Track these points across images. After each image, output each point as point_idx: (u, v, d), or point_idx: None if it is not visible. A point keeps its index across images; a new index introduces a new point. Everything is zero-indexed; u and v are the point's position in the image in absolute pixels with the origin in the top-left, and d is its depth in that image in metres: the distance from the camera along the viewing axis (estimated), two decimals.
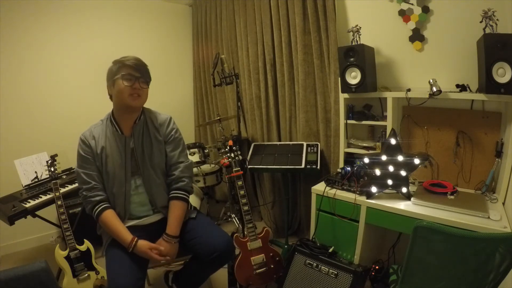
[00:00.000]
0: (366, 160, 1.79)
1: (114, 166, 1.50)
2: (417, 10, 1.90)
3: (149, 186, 1.55)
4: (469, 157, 1.80)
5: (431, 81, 1.74)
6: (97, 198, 1.48)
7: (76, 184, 2.29)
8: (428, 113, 1.91)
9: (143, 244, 1.44)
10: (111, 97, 1.52)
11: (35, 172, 2.28)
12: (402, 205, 1.62)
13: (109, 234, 1.49)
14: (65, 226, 1.84)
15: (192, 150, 2.86)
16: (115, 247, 1.45)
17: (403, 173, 1.69)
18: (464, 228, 1.30)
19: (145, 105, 1.62)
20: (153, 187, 1.55)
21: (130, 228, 1.49)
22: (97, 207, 1.47)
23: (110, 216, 1.47)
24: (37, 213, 2.08)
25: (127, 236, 1.43)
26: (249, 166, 2.35)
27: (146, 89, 1.51)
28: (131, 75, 1.43)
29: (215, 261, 1.52)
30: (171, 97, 3.67)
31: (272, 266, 1.88)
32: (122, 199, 1.51)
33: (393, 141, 1.71)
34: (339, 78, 2.03)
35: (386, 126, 1.96)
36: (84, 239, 1.90)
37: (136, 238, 1.44)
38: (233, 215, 2.91)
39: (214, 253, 1.48)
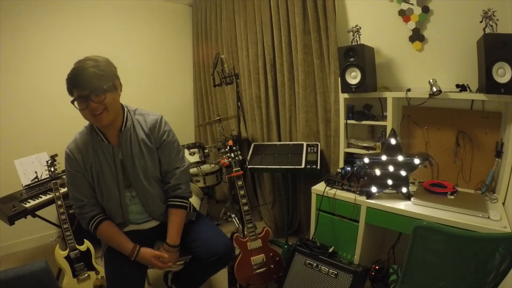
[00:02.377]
0: (366, 160, 1.79)
1: (106, 181, 1.42)
2: (417, 10, 1.90)
3: (143, 198, 1.49)
4: (469, 157, 1.80)
5: (431, 81, 1.74)
6: (91, 213, 1.43)
7: None
8: (428, 113, 1.91)
9: (146, 252, 1.41)
10: None
11: (35, 172, 2.27)
12: (402, 205, 1.62)
13: (110, 245, 1.46)
14: (65, 226, 1.84)
15: (192, 150, 2.86)
16: (114, 250, 1.43)
17: (403, 173, 1.69)
18: (464, 228, 1.30)
19: (140, 105, 1.55)
20: (148, 199, 1.49)
21: (130, 233, 1.48)
22: (91, 222, 1.42)
23: (106, 228, 1.43)
24: (37, 213, 2.08)
25: (128, 245, 1.41)
26: (249, 166, 2.35)
27: (107, 99, 1.27)
28: (80, 97, 1.25)
29: (214, 264, 1.51)
30: (171, 97, 3.67)
31: (272, 266, 1.88)
32: (120, 211, 1.47)
33: (393, 141, 1.71)
34: (339, 78, 2.03)
35: (386, 126, 1.96)
36: (84, 239, 1.90)
37: (138, 246, 1.41)
38: (233, 215, 2.91)
39: (213, 256, 1.47)
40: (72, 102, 1.28)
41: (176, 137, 1.57)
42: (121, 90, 1.40)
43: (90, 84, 1.24)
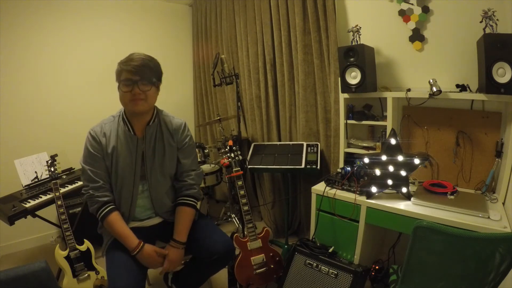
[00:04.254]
0: (366, 160, 1.79)
1: (123, 169, 1.46)
2: (417, 10, 1.90)
3: (154, 192, 1.52)
4: (469, 157, 1.80)
5: (431, 81, 1.74)
6: (105, 198, 1.44)
7: (76, 184, 2.29)
8: (428, 113, 1.91)
9: (149, 247, 1.42)
10: None
11: (35, 172, 2.27)
12: (402, 205, 1.62)
13: (114, 236, 1.46)
14: (65, 226, 1.84)
15: None
16: (116, 248, 1.44)
17: (403, 173, 1.69)
18: (464, 228, 1.30)
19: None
20: (158, 194, 1.53)
21: (131, 230, 1.48)
22: (103, 208, 1.43)
23: (116, 219, 1.43)
24: (37, 213, 2.08)
25: (133, 239, 1.41)
26: (249, 166, 2.35)
27: (150, 91, 1.40)
28: (128, 80, 1.34)
29: (215, 263, 1.52)
30: (171, 97, 3.66)
31: (272, 266, 1.88)
32: (128, 202, 1.49)
33: (393, 141, 1.71)
34: (339, 78, 2.03)
35: (386, 126, 1.96)
36: (84, 239, 1.90)
37: (142, 242, 1.42)
38: (233, 215, 2.91)
39: (214, 256, 1.48)
40: (118, 82, 1.38)
41: (194, 143, 1.66)
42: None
43: (142, 72, 1.35)
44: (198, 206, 2.18)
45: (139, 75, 1.35)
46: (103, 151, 1.44)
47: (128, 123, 1.47)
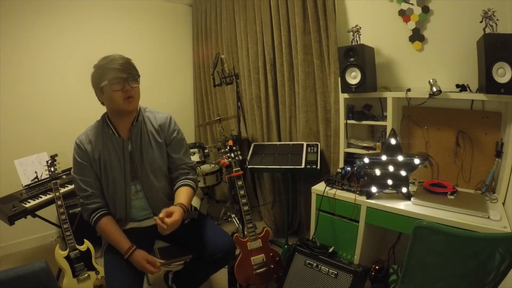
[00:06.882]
0: (366, 160, 1.79)
1: (113, 172, 1.45)
2: (417, 10, 1.90)
3: (148, 192, 1.51)
4: (469, 157, 1.80)
5: (431, 81, 1.74)
6: (94, 205, 1.44)
7: None
8: (428, 113, 1.91)
9: (140, 254, 1.39)
10: (103, 103, 1.45)
11: (35, 172, 2.28)
12: (402, 205, 1.62)
13: (107, 241, 1.46)
14: (65, 226, 1.84)
15: (192, 150, 2.86)
16: (113, 250, 1.43)
17: (403, 173, 1.69)
18: (464, 228, 1.30)
19: (145, 104, 1.60)
20: (153, 192, 1.52)
21: (129, 230, 1.49)
22: (94, 214, 1.43)
23: (107, 223, 1.43)
24: (37, 213, 2.08)
25: (125, 244, 1.40)
26: (249, 166, 2.35)
27: (137, 87, 1.40)
28: (118, 79, 1.33)
29: (217, 261, 1.52)
30: (171, 97, 3.67)
31: (272, 266, 1.88)
32: (123, 204, 1.49)
33: (393, 141, 1.71)
34: (339, 78, 2.03)
35: (386, 126, 1.96)
36: (84, 239, 1.90)
37: (134, 247, 1.39)
38: (233, 215, 2.91)
39: (217, 254, 1.48)
40: (100, 84, 1.36)
41: (184, 137, 1.63)
42: None
43: (128, 69, 1.36)
44: (197, 206, 2.19)
45: (126, 72, 1.35)
46: (90, 159, 1.43)
47: (112, 126, 1.46)
